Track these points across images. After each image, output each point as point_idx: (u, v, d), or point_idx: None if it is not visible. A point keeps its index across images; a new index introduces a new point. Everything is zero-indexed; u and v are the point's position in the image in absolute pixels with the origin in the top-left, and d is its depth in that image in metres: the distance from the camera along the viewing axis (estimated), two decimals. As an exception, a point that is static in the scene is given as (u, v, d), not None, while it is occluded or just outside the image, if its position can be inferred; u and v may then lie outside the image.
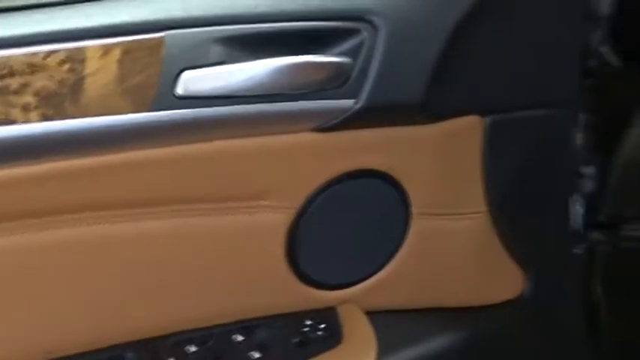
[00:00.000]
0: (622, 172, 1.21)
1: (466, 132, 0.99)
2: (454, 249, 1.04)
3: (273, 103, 0.91)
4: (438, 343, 1.05)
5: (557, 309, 1.11)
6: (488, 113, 1.00)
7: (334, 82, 0.92)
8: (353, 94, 0.92)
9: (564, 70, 1.04)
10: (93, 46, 0.85)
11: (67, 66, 0.84)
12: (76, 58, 0.84)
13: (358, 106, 0.92)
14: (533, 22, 1.00)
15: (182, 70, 0.87)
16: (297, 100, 0.91)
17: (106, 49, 0.85)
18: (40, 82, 0.83)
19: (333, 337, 0.99)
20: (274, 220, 0.97)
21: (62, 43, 0.84)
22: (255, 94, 0.90)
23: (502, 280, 1.07)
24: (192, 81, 0.87)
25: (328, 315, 1.01)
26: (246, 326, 0.98)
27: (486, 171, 1.01)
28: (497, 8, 0.96)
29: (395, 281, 1.03)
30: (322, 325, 0.99)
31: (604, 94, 1.17)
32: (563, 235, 1.11)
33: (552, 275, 1.10)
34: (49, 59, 0.84)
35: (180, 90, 0.87)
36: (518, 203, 1.05)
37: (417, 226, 1.01)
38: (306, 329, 0.99)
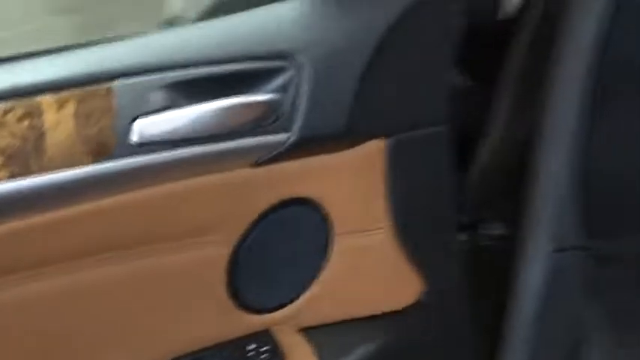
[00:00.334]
0: (479, 178, 1.36)
1: (374, 154, 1.09)
2: (367, 262, 1.13)
3: (217, 144, 0.95)
4: (363, 350, 1.13)
5: (452, 307, 1.24)
6: (389, 135, 1.10)
7: (269, 118, 0.98)
8: (286, 129, 0.99)
9: (440, 93, 1.17)
10: (48, 100, 0.85)
11: (26, 122, 0.84)
12: (34, 113, 0.84)
13: (292, 139, 0.99)
14: (418, 53, 1.11)
15: (135, 118, 0.90)
16: (237, 139, 0.97)
17: (61, 102, 0.86)
18: (3, 140, 0.83)
19: (276, 358, 1.05)
20: (217, 253, 1.01)
21: (18, 98, 0.84)
22: (202, 135, 0.94)
23: (406, 286, 1.18)
24: (146, 128, 0.90)
25: (265, 337, 1.06)
26: (196, 358, 1.02)
27: (389, 188, 1.12)
28: (395, 42, 1.06)
29: (322, 298, 1.10)
30: (264, 348, 1.05)
31: (458, 110, 1.32)
32: (452, 239, 1.24)
33: (446, 277, 1.22)
34: (8, 116, 0.83)
35: (135, 137, 0.90)
36: (414, 214, 1.16)
37: (338, 245, 1.09)
38: (251, 354, 1.04)
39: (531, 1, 1.30)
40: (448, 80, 1.17)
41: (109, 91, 0.88)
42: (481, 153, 1.36)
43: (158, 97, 0.91)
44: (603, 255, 1.34)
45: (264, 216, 1.03)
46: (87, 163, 0.87)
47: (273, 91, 0.98)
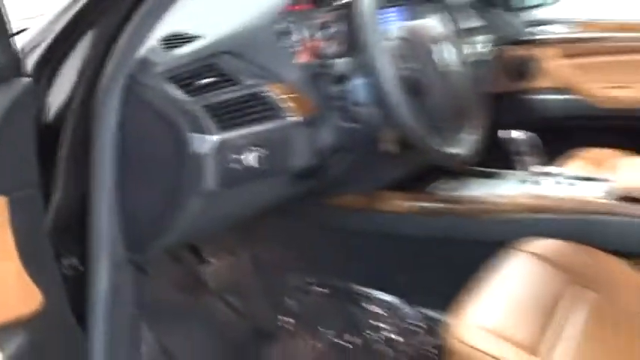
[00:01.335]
0: (55, 224, 1.93)
1: (2, 207, 1.65)
2: (6, 282, 1.68)
3: None
4: (14, 345, 1.67)
5: (65, 315, 1.83)
6: (7, 194, 1.66)
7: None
8: None
9: (33, 163, 1.74)
10: None
11: None
12: None
13: None
14: (13, 138, 1.69)
15: None
16: None
17: None
18: None
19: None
20: None
21: None
22: None
23: (32, 298, 1.73)
24: None
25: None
26: None
27: (13, 229, 1.68)
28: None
29: None
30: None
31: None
32: (56, 266, 1.83)
33: (55, 293, 1.81)
34: None
35: None
36: (31, 249, 1.73)
37: None
38: None
39: (72, 103, 1.94)
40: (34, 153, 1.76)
41: None
42: (56, 205, 1.96)
43: None
44: (141, 263, 2.04)
45: None
46: None
47: None
